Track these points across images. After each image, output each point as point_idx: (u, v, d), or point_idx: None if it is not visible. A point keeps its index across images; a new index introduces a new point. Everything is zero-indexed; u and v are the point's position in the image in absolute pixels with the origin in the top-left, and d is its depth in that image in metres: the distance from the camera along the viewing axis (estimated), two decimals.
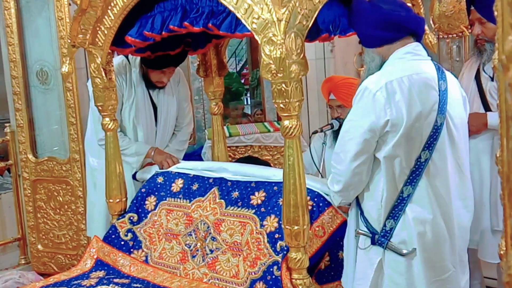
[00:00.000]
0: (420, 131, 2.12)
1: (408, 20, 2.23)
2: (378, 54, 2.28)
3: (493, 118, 2.99)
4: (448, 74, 2.29)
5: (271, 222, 2.64)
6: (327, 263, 2.61)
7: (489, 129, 3.01)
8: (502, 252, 0.80)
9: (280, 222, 2.60)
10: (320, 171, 3.26)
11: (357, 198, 2.31)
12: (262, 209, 2.71)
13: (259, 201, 2.77)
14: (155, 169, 3.37)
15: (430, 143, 2.14)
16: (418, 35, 2.29)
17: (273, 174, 2.88)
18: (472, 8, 3.04)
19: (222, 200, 2.88)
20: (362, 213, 2.28)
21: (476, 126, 2.97)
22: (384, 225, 2.20)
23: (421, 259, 2.18)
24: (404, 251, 2.17)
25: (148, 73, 3.46)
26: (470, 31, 3.22)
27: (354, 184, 2.24)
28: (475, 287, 3.22)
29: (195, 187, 3.06)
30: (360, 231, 2.27)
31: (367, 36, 2.29)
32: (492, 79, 3.06)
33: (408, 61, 2.21)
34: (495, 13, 0.81)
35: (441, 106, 2.15)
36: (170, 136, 3.70)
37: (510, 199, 0.68)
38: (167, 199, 3.10)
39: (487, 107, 3.07)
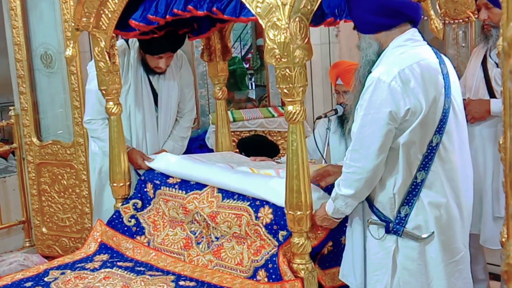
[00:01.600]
0: (433, 116, 2.12)
1: (405, 6, 2.21)
2: (376, 40, 2.24)
3: (496, 105, 2.99)
4: (445, 58, 2.30)
5: (265, 214, 2.63)
6: (330, 248, 2.61)
7: (493, 115, 3.00)
8: (503, 240, 0.81)
9: (275, 213, 2.60)
10: (324, 157, 3.25)
11: None
12: (257, 203, 2.70)
13: None
14: (157, 159, 3.30)
15: (441, 127, 2.14)
16: (415, 22, 2.27)
17: (274, 191, 2.63)
18: None
19: (220, 194, 2.86)
20: (371, 204, 2.26)
21: (479, 113, 2.97)
22: (399, 212, 2.19)
23: (438, 242, 2.19)
24: (424, 236, 2.16)
25: (146, 58, 3.44)
26: (476, 16, 3.20)
27: (373, 181, 2.19)
28: (478, 272, 3.23)
29: (192, 182, 3.03)
30: (372, 221, 2.25)
31: (364, 22, 2.25)
32: (497, 66, 3.04)
33: (411, 48, 2.19)
34: None
35: (447, 89, 2.17)
36: (173, 122, 3.67)
37: None
38: (162, 188, 3.08)
39: (492, 94, 3.06)
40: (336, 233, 2.59)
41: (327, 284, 2.53)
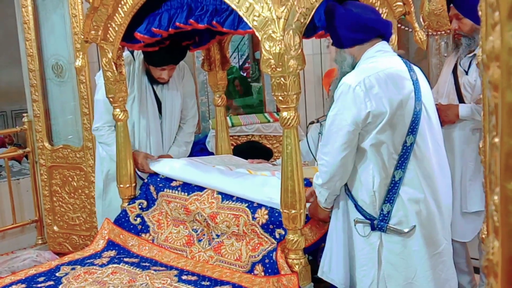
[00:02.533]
0: (402, 118, 2.16)
1: (376, 22, 2.30)
2: (350, 54, 2.33)
3: (464, 109, 3.03)
4: (414, 67, 2.34)
5: (262, 215, 2.63)
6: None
7: (461, 119, 3.04)
8: (483, 236, 0.81)
9: (270, 214, 2.60)
10: (316, 159, 3.25)
11: (347, 190, 2.31)
12: (255, 204, 2.70)
13: None
14: (161, 163, 3.29)
15: (413, 128, 2.17)
16: (386, 37, 2.35)
17: (270, 197, 2.65)
18: (451, 5, 3.10)
19: (219, 195, 2.86)
20: (356, 203, 2.28)
21: (449, 117, 3.00)
22: (381, 210, 2.21)
23: (420, 235, 2.20)
24: (406, 230, 2.18)
25: (150, 69, 3.43)
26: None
27: (339, 174, 2.25)
28: (462, 264, 3.24)
29: (194, 184, 3.03)
30: (359, 219, 2.26)
31: (339, 38, 2.32)
32: (466, 73, 3.08)
33: (380, 58, 2.26)
34: (479, 12, 0.80)
35: (417, 93, 2.20)
36: (177, 128, 3.66)
37: (491, 187, 0.68)
38: (165, 190, 3.07)
39: (461, 100, 3.09)
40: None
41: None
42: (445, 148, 2.40)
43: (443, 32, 3.38)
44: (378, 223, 2.21)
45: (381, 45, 2.30)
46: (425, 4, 3.76)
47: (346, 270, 2.36)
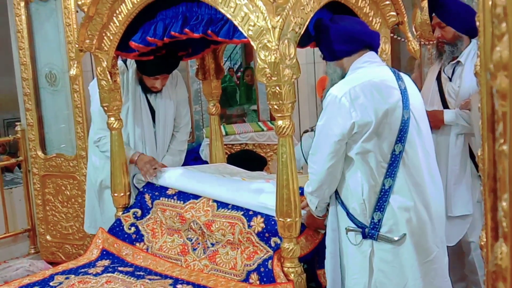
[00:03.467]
0: (390, 127, 2.18)
1: (363, 34, 2.34)
2: (339, 66, 2.37)
3: (448, 115, 3.08)
4: (403, 75, 2.37)
5: (258, 223, 2.63)
6: None
7: (446, 125, 3.09)
8: (482, 243, 0.82)
9: (266, 222, 2.60)
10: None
11: (339, 198, 2.32)
12: (250, 212, 2.70)
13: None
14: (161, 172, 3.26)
15: (401, 137, 2.19)
16: (373, 47, 2.38)
17: (265, 203, 2.66)
18: (434, 14, 3.18)
19: (215, 203, 2.86)
20: (348, 211, 2.28)
21: (434, 122, 3.04)
22: (372, 218, 2.22)
23: (411, 243, 2.21)
24: (396, 238, 2.19)
25: (143, 78, 3.43)
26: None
27: (327, 183, 2.28)
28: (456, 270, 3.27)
29: (189, 192, 3.03)
30: (350, 228, 2.27)
31: (329, 50, 2.36)
32: (450, 80, 3.13)
33: (367, 68, 2.29)
34: (477, 23, 0.81)
35: (405, 102, 2.22)
36: (170, 136, 3.66)
37: (490, 195, 0.69)
38: (161, 198, 3.06)
39: (446, 106, 3.15)
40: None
41: (325, 282, 2.53)
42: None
43: (435, 41, 3.42)
44: (369, 231, 2.22)
45: (369, 55, 2.33)
46: (417, 14, 3.79)
47: (335, 279, 2.37)
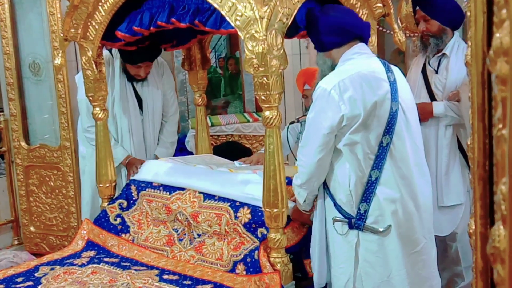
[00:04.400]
0: (378, 119, 2.18)
1: (353, 25, 2.32)
2: (329, 57, 2.36)
3: (437, 107, 3.12)
4: (393, 67, 2.37)
5: (244, 214, 2.63)
6: None
7: (435, 116, 3.12)
8: (471, 231, 0.84)
9: (253, 213, 2.61)
10: (294, 154, 3.27)
11: (327, 189, 2.33)
12: (237, 203, 2.70)
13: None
14: (143, 170, 3.24)
15: (389, 128, 2.19)
16: (364, 39, 2.38)
17: (251, 194, 2.67)
18: (418, 8, 3.21)
19: (201, 194, 2.85)
20: (335, 202, 2.30)
21: (423, 115, 3.07)
22: (359, 209, 2.23)
23: (396, 235, 2.23)
24: (381, 229, 2.21)
25: (126, 67, 3.43)
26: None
27: (317, 175, 2.29)
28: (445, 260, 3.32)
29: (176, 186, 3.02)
30: (337, 218, 2.28)
31: (319, 42, 2.36)
32: (436, 72, 3.16)
33: (357, 60, 2.28)
34: (468, 13, 0.82)
35: (393, 94, 2.22)
36: (159, 125, 3.66)
37: (480, 183, 0.70)
38: (147, 189, 3.05)
39: (433, 98, 3.18)
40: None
41: (311, 272, 2.55)
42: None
43: (420, 34, 3.44)
44: (355, 221, 2.23)
45: (359, 47, 2.32)
46: (403, 6, 3.81)
47: (321, 269, 2.40)
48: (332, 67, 2.34)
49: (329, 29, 2.29)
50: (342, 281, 2.32)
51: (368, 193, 2.21)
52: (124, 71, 3.45)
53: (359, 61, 2.28)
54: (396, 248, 2.24)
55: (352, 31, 2.31)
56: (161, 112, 3.63)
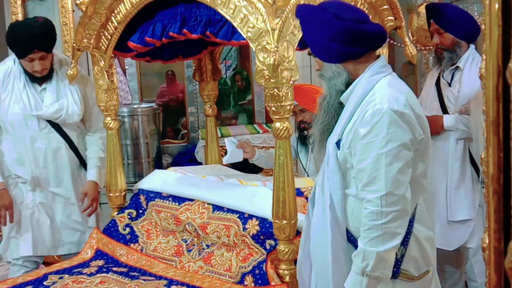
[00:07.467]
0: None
1: (375, 33, 1.96)
2: (344, 69, 1.99)
3: (448, 120, 3.09)
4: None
5: (253, 225, 2.62)
6: None
7: (445, 130, 3.10)
8: (484, 245, 0.82)
9: (261, 225, 2.60)
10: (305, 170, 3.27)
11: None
12: (246, 215, 2.70)
13: None
14: (156, 177, 3.26)
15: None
16: (378, 48, 2.04)
17: (259, 208, 2.61)
18: (432, 21, 3.19)
19: (210, 205, 2.84)
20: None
21: (434, 128, 3.05)
22: (395, 254, 1.88)
23: (435, 274, 2.03)
24: (416, 274, 1.93)
25: (23, 67, 3.22)
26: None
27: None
28: (455, 274, 3.29)
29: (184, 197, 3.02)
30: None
31: (328, 51, 1.96)
32: (449, 85, 3.14)
33: (390, 75, 1.98)
34: (482, 26, 0.82)
35: None
36: (81, 136, 3.46)
37: (494, 197, 0.70)
38: (156, 200, 3.05)
39: (445, 111, 3.16)
40: None
41: None
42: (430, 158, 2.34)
43: (431, 47, 3.44)
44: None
45: (383, 60, 2.00)
46: (414, 19, 3.82)
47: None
48: (348, 82, 1.99)
49: (344, 38, 1.89)
50: None
51: (406, 234, 1.88)
52: (26, 73, 3.24)
53: (392, 77, 1.97)
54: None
55: (372, 41, 1.96)
56: (77, 118, 3.37)
